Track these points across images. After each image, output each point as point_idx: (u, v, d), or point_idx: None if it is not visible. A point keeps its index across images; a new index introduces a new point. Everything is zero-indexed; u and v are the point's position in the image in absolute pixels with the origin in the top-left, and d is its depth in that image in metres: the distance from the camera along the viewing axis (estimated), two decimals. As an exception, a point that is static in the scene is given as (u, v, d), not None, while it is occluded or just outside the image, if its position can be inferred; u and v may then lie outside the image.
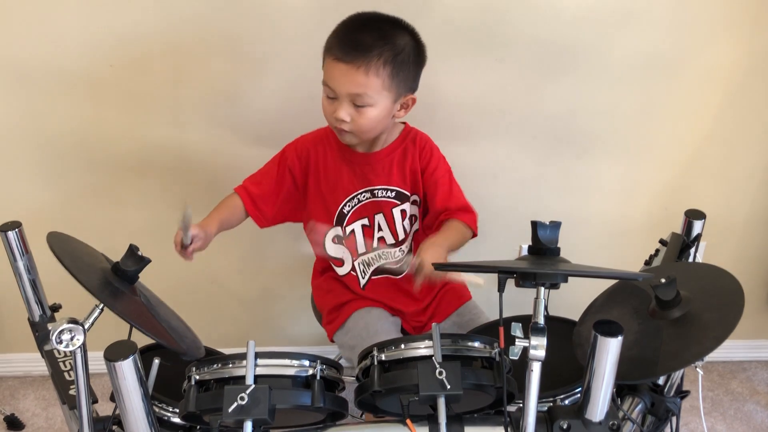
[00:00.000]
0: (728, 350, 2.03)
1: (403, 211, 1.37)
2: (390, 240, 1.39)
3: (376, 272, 1.41)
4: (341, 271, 1.42)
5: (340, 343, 1.42)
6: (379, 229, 1.38)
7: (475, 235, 1.36)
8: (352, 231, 1.37)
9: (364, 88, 1.16)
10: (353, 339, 1.36)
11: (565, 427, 0.87)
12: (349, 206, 1.35)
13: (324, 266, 1.46)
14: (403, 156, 1.34)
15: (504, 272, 0.85)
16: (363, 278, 1.41)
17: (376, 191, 1.35)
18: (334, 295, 1.44)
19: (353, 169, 1.33)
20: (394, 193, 1.35)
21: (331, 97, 1.20)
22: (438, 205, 1.34)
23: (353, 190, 1.34)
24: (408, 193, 1.36)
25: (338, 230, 1.37)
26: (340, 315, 1.41)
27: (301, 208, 1.39)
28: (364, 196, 1.35)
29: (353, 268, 1.40)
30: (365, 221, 1.37)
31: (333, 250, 1.40)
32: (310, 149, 1.34)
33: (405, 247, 1.42)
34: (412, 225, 1.40)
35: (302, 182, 1.36)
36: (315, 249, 1.44)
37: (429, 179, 1.35)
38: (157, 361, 0.94)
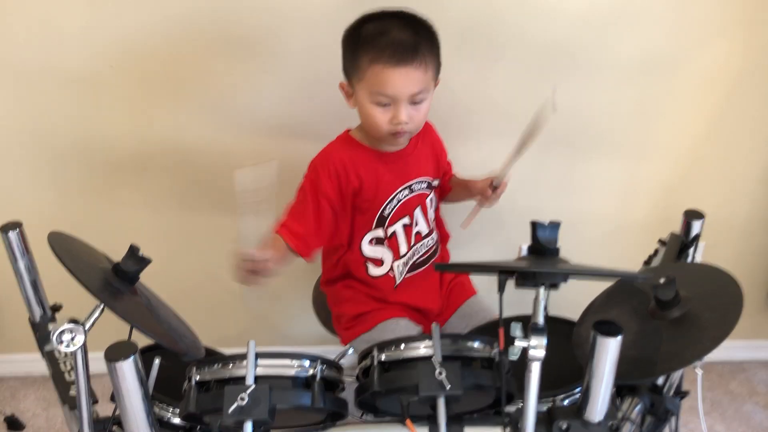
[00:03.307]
0: (727, 350, 2.01)
1: (431, 200, 1.39)
2: (425, 231, 1.40)
3: (410, 269, 1.41)
4: (378, 271, 1.37)
5: (358, 348, 1.40)
6: (416, 224, 1.38)
7: None
8: (394, 232, 1.35)
9: (422, 84, 1.18)
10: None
11: (564, 427, 0.87)
12: (389, 207, 1.33)
13: (341, 273, 1.41)
14: (425, 144, 1.37)
15: (504, 272, 0.85)
16: (399, 278, 1.39)
17: (413, 186, 1.34)
18: (355, 303, 1.40)
19: (390, 169, 1.31)
20: (425, 184, 1.37)
21: (384, 105, 1.19)
22: (448, 171, 1.49)
23: (393, 189, 1.32)
24: (432, 181, 1.39)
25: (378, 232, 1.34)
26: (363, 322, 1.38)
27: (337, 225, 1.32)
28: (403, 194, 1.33)
29: (391, 269, 1.38)
30: (406, 220, 1.35)
31: (371, 251, 1.36)
32: (337, 165, 1.27)
33: (434, 235, 1.43)
34: (434, 211, 1.44)
35: (340, 203, 1.29)
36: (344, 255, 1.39)
37: (442, 159, 1.45)
38: (157, 362, 0.94)
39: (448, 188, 1.49)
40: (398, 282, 1.40)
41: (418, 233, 1.39)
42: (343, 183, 1.27)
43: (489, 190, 1.34)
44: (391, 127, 1.20)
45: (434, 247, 1.44)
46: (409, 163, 1.34)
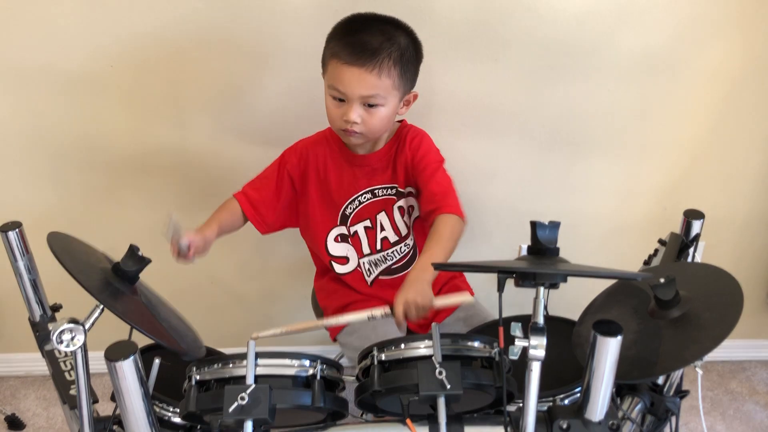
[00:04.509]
0: (727, 350, 2.04)
1: (400, 208, 1.38)
2: (393, 238, 1.40)
3: (383, 273, 1.42)
4: (345, 269, 1.41)
5: (344, 342, 1.42)
6: (382, 228, 1.38)
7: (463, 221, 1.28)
8: (356, 232, 1.38)
9: (376, 90, 1.18)
10: (359, 340, 1.36)
11: (564, 426, 0.87)
12: (351, 208, 1.36)
13: (325, 266, 1.46)
14: (397, 152, 1.36)
15: (503, 272, 0.85)
16: (369, 276, 1.42)
17: (376, 191, 1.36)
18: (339, 295, 1.44)
19: (354, 171, 1.34)
20: (393, 191, 1.37)
21: (338, 100, 1.20)
22: (426, 191, 1.29)
23: (354, 191, 1.35)
24: (403, 189, 1.37)
25: (342, 229, 1.38)
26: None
27: (301, 213, 1.39)
28: (365, 197, 1.36)
29: (359, 266, 1.41)
30: (367, 223, 1.38)
31: (335, 249, 1.40)
32: (309, 152, 1.35)
33: (409, 241, 1.43)
34: (411, 217, 1.42)
35: (301, 185, 1.36)
36: (314, 248, 1.44)
37: (417, 166, 1.31)
38: (157, 361, 0.94)
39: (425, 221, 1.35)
40: (371, 279, 1.42)
41: (385, 239, 1.39)
42: (311, 169, 1.34)
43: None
44: (342, 123, 1.22)
45: (410, 253, 1.43)
46: (375, 168, 1.35)
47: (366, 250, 1.40)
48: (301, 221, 1.41)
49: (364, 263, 1.41)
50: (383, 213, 1.38)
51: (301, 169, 1.35)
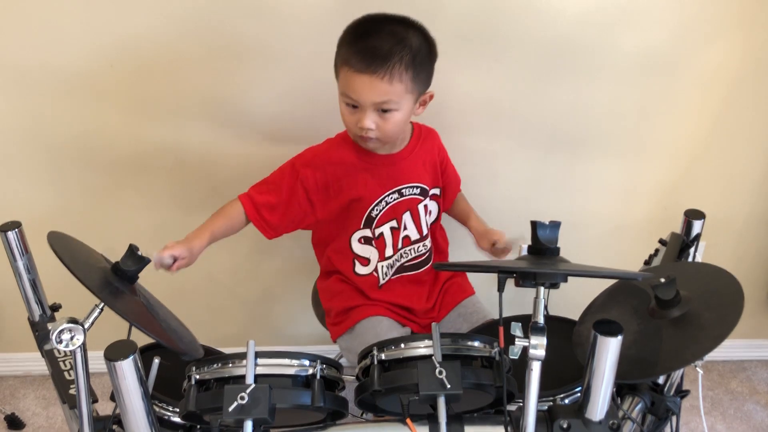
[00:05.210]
0: (728, 350, 2.04)
1: (425, 206, 1.39)
2: (415, 236, 1.40)
3: (396, 271, 1.42)
4: (363, 270, 1.39)
5: (345, 346, 1.42)
6: (405, 228, 1.38)
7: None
8: (381, 234, 1.37)
9: (388, 96, 1.16)
10: (361, 345, 1.34)
11: (565, 426, 0.87)
12: (377, 210, 1.34)
13: (331, 269, 1.44)
14: (423, 151, 1.36)
15: (504, 272, 0.85)
16: (384, 279, 1.40)
17: (403, 190, 1.34)
18: (343, 297, 1.42)
19: (378, 173, 1.32)
20: (418, 190, 1.36)
21: (352, 107, 1.19)
22: (454, 186, 1.50)
23: (381, 193, 1.33)
24: (428, 188, 1.38)
25: (366, 232, 1.36)
26: (348, 318, 1.40)
27: (312, 219, 1.35)
28: (392, 198, 1.34)
29: (376, 269, 1.39)
30: (394, 223, 1.36)
31: (359, 249, 1.38)
32: (326, 162, 1.30)
33: (427, 242, 1.43)
34: (430, 219, 1.43)
35: (318, 197, 1.31)
36: (334, 251, 1.42)
37: (445, 170, 1.45)
38: (157, 361, 0.94)
39: (449, 205, 1.52)
40: (383, 282, 1.41)
41: (406, 237, 1.39)
42: (330, 180, 1.30)
43: (485, 245, 1.39)
44: (357, 129, 1.21)
45: (426, 254, 1.44)
46: (401, 167, 1.34)
47: (389, 252, 1.38)
48: (323, 228, 1.38)
49: (382, 267, 1.39)
50: (408, 213, 1.36)
51: (316, 180, 1.29)
